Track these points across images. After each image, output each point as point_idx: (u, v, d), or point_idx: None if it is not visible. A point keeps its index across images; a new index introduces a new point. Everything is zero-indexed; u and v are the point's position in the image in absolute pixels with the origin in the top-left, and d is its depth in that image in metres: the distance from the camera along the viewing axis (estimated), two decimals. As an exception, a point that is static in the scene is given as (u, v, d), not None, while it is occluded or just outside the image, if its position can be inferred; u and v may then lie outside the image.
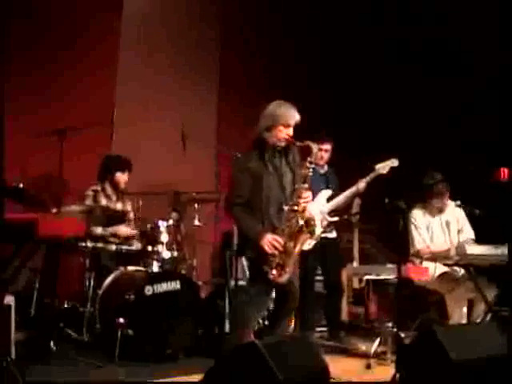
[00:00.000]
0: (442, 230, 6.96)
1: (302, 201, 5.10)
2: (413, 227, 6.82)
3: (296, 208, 5.08)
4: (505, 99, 8.67)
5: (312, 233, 5.15)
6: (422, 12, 9.21)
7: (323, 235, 6.92)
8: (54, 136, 6.34)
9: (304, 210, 5.11)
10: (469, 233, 6.99)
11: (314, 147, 5.15)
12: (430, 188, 6.86)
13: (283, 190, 5.20)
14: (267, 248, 5.00)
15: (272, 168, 5.21)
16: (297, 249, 5.08)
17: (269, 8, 9.11)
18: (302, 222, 5.07)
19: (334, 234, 7.26)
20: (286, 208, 5.12)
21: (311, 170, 5.14)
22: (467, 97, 8.87)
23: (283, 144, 5.20)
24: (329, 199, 7.06)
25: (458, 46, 8.99)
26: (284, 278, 5.04)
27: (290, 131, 5.18)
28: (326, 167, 7.34)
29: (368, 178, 7.04)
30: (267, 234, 5.04)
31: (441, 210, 6.99)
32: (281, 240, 5.03)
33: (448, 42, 9.04)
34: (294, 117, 5.18)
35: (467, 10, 8.72)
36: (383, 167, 6.97)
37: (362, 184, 7.05)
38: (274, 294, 5.40)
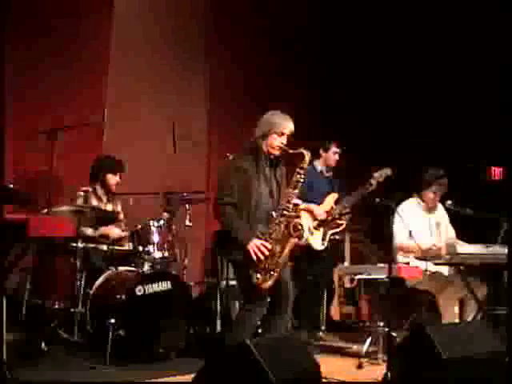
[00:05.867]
0: (429, 230, 6.96)
1: (291, 206, 5.13)
2: (398, 220, 6.70)
3: (285, 213, 5.12)
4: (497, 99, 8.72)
5: (300, 237, 5.16)
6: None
7: (332, 237, 7.30)
8: (45, 136, 6.32)
9: (294, 215, 5.15)
10: (451, 233, 7.08)
11: (307, 154, 5.18)
12: (431, 183, 6.89)
13: (272, 198, 5.25)
14: (253, 253, 5.02)
15: (263, 175, 5.25)
16: (284, 253, 5.09)
17: (260, 7, 9.10)
18: (290, 227, 5.10)
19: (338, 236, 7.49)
20: (274, 213, 5.15)
21: (302, 176, 5.18)
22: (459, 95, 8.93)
23: (277, 153, 5.26)
24: (336, 201, 7.33)
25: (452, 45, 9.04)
26: (268, 284, 5.05)
27: (284, 140, 5.23)
28: (330, 171, 7.60)
29: (372, 182, 7.23)
30: (254, 239, 5.06)
31: (431, 210, 7.00)
32: (268, 245, 5.06)
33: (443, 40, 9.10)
34: (289, 126, 5.25)
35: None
36: (380, 175, 7.19)
37: (368, 188, 7.23)
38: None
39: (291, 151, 5.20)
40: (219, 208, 5.20)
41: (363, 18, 9.44)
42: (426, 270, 6.47)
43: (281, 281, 5.17)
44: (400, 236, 6.63)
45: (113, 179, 6.75)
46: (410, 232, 6.50)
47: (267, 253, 5.03)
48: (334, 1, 9.42)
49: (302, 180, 5.17)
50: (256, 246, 5.03)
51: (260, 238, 5.09)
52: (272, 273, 5.04)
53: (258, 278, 5.04)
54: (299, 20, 9.37)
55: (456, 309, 6.60)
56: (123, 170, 6.80)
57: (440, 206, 7.04)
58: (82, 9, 7.42)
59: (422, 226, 6.88)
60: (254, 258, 5.01)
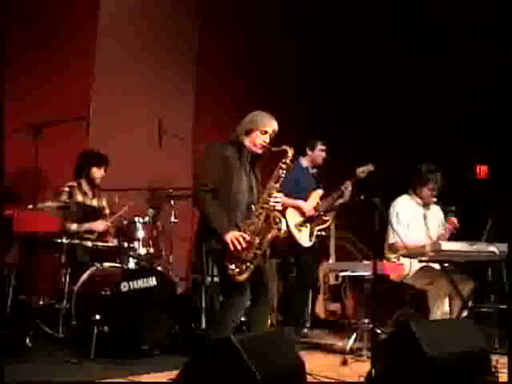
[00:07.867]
0: (423, 224, 6.96)
1: (271, 199, 5.13)
2: (394, 218, 6.72)
3: (266, 206, 5.12)
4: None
5: (279, 229, 5.16)
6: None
7: (319, 233, 7.42)
8: (30, 131, 6.29)
9: (273, 209, 5.14)
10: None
11: (290, 150, 5.18)
12: (428, 179, 6.87)
13: (251, 192, 5.24)
14: (231, 245, 5.00)
15: (244, 169, 5.25)
16: (263, 246, 5.09)
17: (249, 5, 9.10)
18: (270, 219, 5.10)
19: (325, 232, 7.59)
20: (254, 207, 5.15)
21: (285, 172, 5.18)
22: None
23: (260, 151, 5.24)
24: (321, 198, 7.44)
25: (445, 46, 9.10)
26: (243, 277, 5.02)
27: (267, 138, 5.22)
28: (315, 167, 7.66)
29: (353, 180, 7.37)
30: (232, 230, 5.04)
31: (425, 205, 6.99)
32: (247, 237, 5.04)
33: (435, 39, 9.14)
34: (272, 125, 5.24)
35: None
36: (362, 171, 7.29)
37: (348, 186, 7.36)
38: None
39: (274, 149, 5.20)
40: (199, 195, 5.14)
41: (349, 23, 9.49)
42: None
43: (262, 270, 5.18)
44: (393, 234, 6.64)
45: (98, 173, 6.75)
46: (408, 225, 6.58)
47: (245, 245, 5.02)
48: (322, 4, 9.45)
49: (283, 175, 5.18)
50: (235, 237, 5.00)
51: (239, 230, 5.09)
52: (248, 264, 5.03)
53: (232, 270, 5.02)
54: (288, 21, 9.39)
55: (446, 304, 6.60)
56: (108, 164, 6.80)
57: (436, 207, 7.05)
58: (66, 2, 7.38)
59: (416, 220, 6.89)
60: (232, 248, 5.00)
